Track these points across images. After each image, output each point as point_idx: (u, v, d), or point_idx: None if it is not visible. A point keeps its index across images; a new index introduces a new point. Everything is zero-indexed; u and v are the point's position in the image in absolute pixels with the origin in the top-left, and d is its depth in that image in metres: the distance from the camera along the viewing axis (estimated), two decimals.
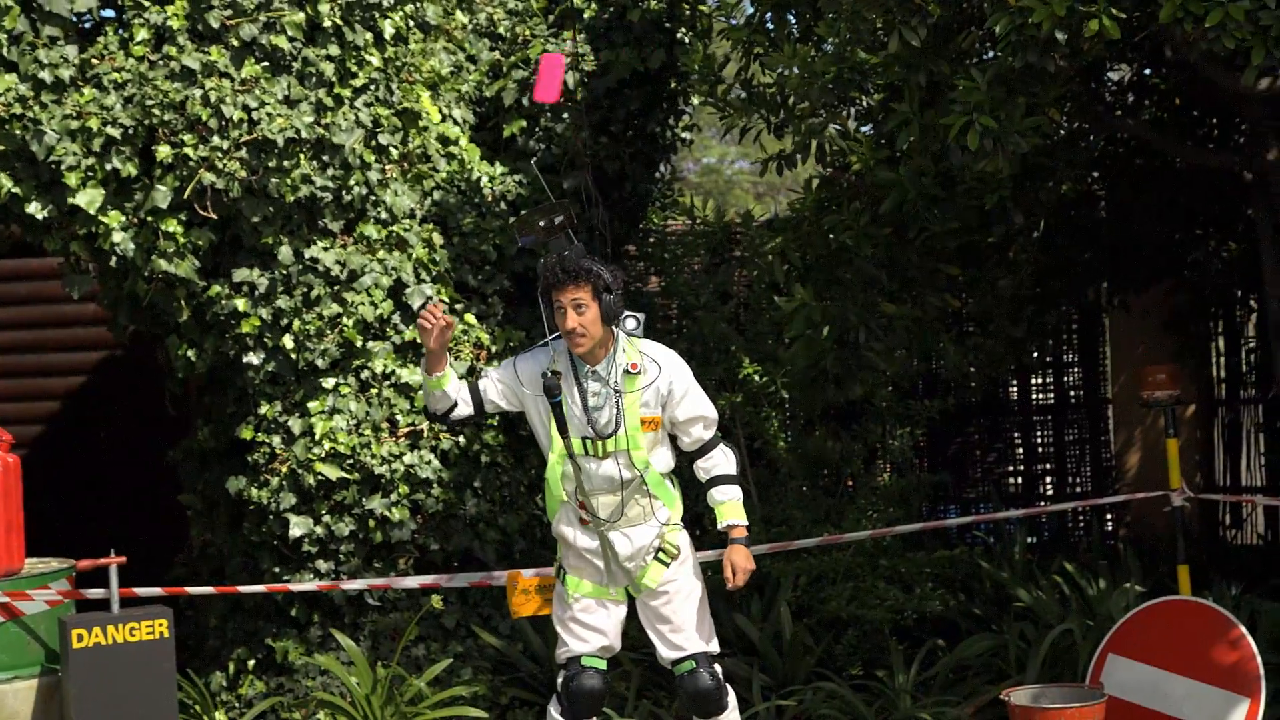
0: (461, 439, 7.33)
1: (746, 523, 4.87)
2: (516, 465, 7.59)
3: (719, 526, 4.86)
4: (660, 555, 4.81)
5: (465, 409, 4.93)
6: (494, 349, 7.53)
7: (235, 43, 6.77)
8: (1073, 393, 9.54)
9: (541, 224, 5.05)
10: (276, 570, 7.13)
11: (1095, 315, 9.30)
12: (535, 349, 4.95)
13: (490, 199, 7.73)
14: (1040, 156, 6.59)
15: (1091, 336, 9.48)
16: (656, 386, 4.72)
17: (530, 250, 7.48)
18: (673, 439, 4.95)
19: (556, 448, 4.74)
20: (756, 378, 8.00)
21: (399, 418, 7.19)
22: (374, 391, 7.18)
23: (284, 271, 7.00)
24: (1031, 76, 5.64)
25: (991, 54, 6.03)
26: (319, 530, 7.07)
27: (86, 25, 6.98)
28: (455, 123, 7.81)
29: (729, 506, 4.82)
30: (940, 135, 5.78)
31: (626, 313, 4.73)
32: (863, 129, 6.93)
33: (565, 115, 7.80)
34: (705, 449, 4.85)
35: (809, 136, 6.53)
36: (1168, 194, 7.68)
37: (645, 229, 8.97)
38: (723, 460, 4.87)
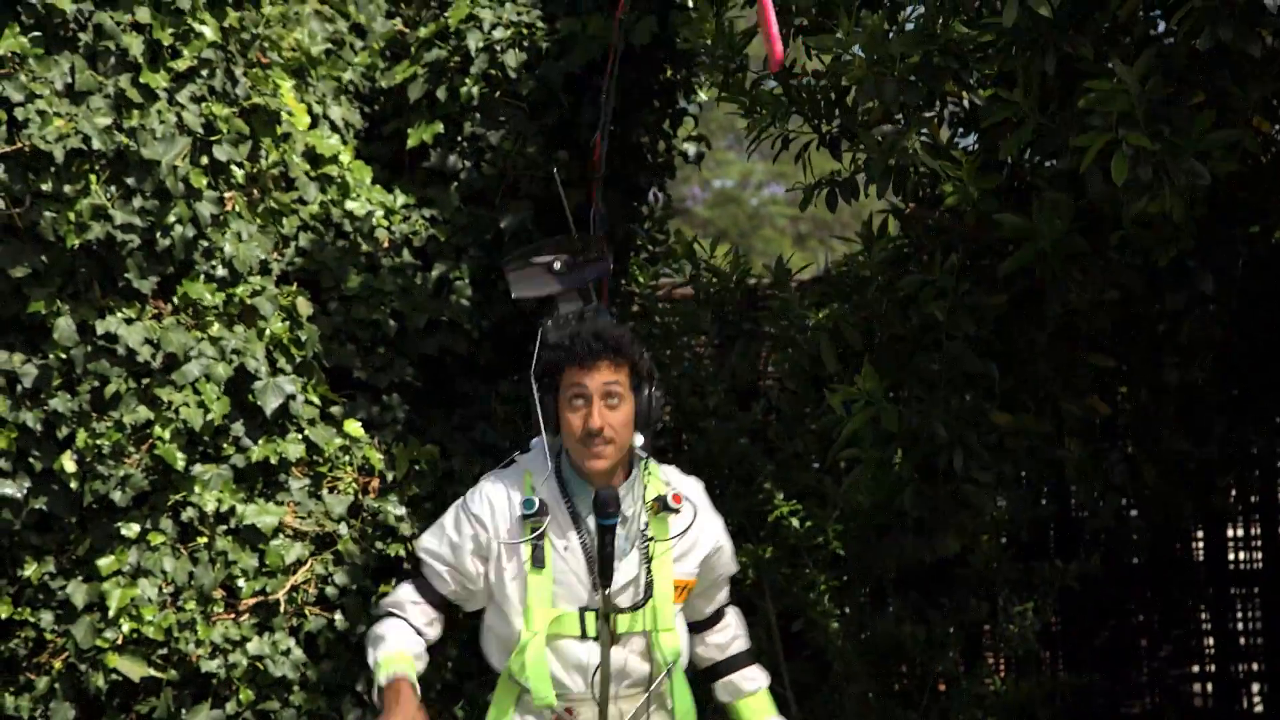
0: (339, 617, 7.30)
1: None
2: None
3: None
4: None
5: (437, 629, 4.99)
6: (391, 475, 7.49)
7: None
8: None
9: (555, 263, 4.99)
10: None
11: None
12: (495, 474, 4.84)
13: (387, 245, 7.73)
14: (1239, 189, 6.59)
15: None
16: (694, 537, 4.69)
17: (513, 310, 7.49)
18: None
19: (535, 621, 4.64)
20: (795, 523, 7.96)
21: (240, 583, 7.15)
22: (201, 542, 7.13)
23: (62, 355, 6.97)
24: (1221, 64, 5.63)
25: (1162, 27, 6.05)
26: None
27: None
28: (333, 127, 7.82)
29: (761, 701, 4.92)
30: (1077, 157, 5.77)
31: None
32: (962, 142, 6.93)
33: (502, 119, 7.82)
34: (717, 615, 4.93)
35: (879, 153, 6.52)
36: None
37: (625, 291, 8.98)
38: (739, 626, 4.96)
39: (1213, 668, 9.50)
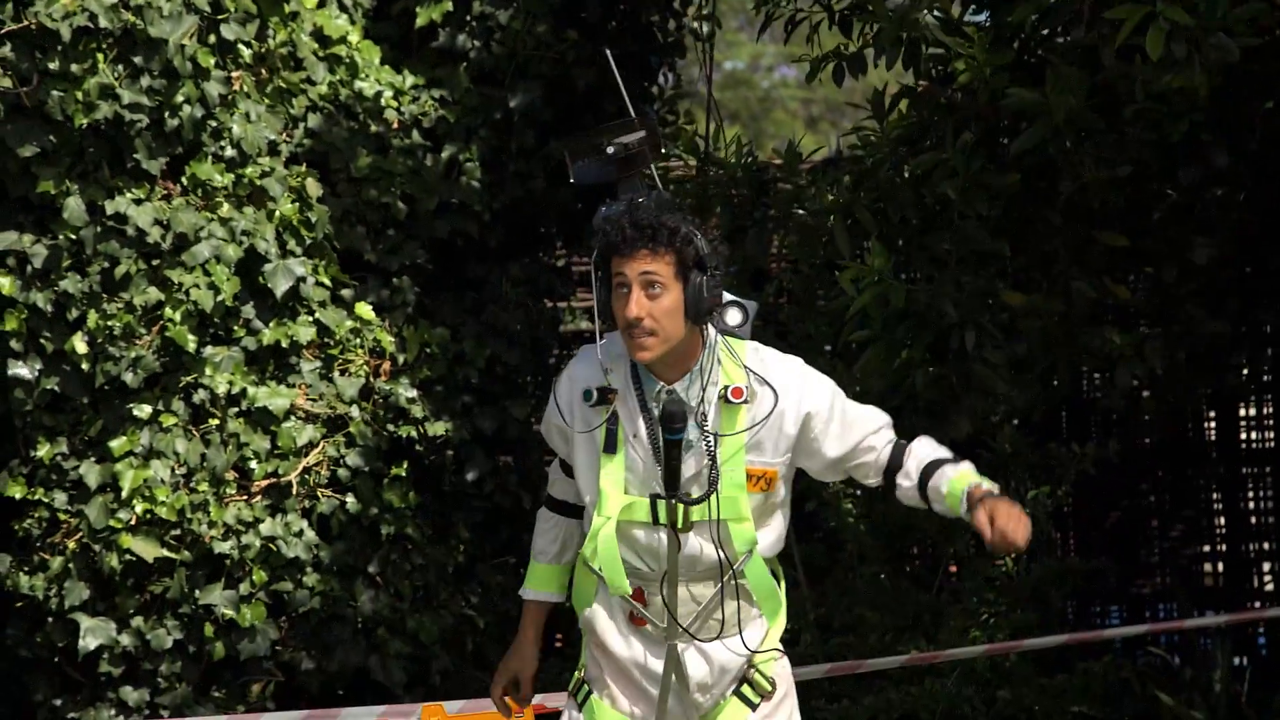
0: (350, 499, 7.32)
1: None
2: (436, 539, 7.59)
3: (958, 504, 4.44)
4: (746, 689, 4.69)
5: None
6: (402, 358, 7.49)
7: None
8: None
9: (609, 147, 4.86)
10: (57, 704, 7.09)
11: None
12: (580, 355, 4.76)
13: (397, 126, 7.68)
14: (1253, 64, 6.53)
15: None
16: (777, 424, 4.45)
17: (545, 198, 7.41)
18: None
19: (608, 505, 4.66)
20: None
21: (253, 465, 7.18)
22: (213, 424, 7.15)
23: (72, 236, 6.96)
24: None
25: None
26: (125, 640, 7.03)
27: None
28: (342, 7, 7.76)
29: (965, 474, 4.47)
30: (1097, 29, 5.71)
31: (730, 299, 4.50)
32: (976, 17, 6.87)
33: None
34: (895, 460, 4.58)
35: (890, 28, 6.46)
36: None
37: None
38: (927, 447, 4.57)
39: (1224, 547, 9.50)
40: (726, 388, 4.35)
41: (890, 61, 6.59)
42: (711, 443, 4.36)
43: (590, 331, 9.99)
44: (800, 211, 8.19)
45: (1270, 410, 9.50)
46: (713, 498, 4.37)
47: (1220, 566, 9.52)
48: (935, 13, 6.57)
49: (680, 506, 4.34)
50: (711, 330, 4.42)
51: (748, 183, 8.41)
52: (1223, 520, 9.49)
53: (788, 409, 4.42)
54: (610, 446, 4.42)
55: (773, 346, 7.88)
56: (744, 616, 4.53)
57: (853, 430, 4.50)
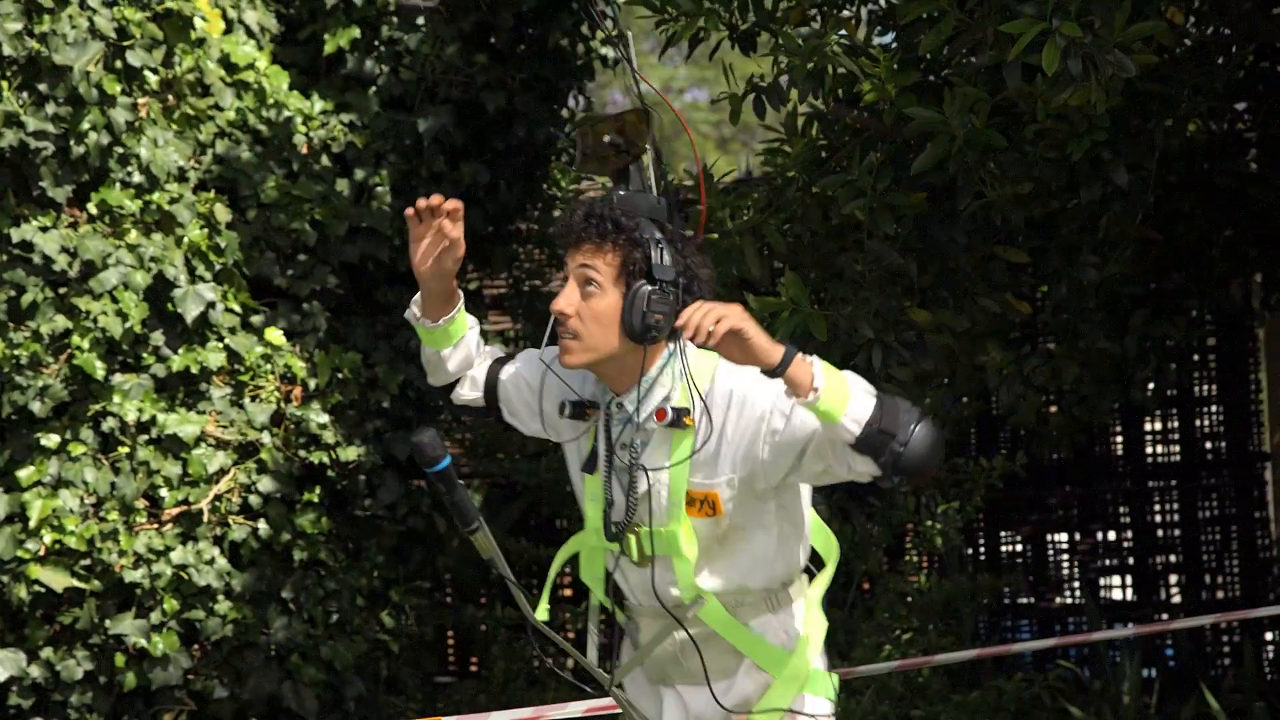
0: (262, 525, 7.25)
1: (811, 361, 3.65)
2: (349, 565, 7.56)
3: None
4: None
5: (471, 391, 4.15)
6: (314, 384, 7.44)
7: None
8: (1210, 445, 9.55)
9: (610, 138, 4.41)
10: None
11: (1243, 325, 9.31)
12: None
13: (306, 151, 7.64)
14: (1154, 82, 6.56)
15: (1238, 358, 9.50)
16: (718, 446, 3.87)
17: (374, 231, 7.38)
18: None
19: (590, 524, 4.05)
20: None
21: (163, 492, 7.11)
22: (123, 452, 7.08)
23: None
24: None
25: None
26: (35, 672, 6.99)
27: None
28: (249, 33, 7.71)
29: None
30: (1000, 49, 5.70)
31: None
32: (882, 39, 6.85)
33: (420, 22, 7.72)
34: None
35: (799, 63, 6.43)
36: None
37: (548, 196, 8.95)
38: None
39: (1132, 561, 9.56)
40: (677, 409, 3.82)
41: (803, 95, 6.57)
42: (645, 473, 3.87)
43: (507, 354, 10.00)
44: (714, 235, 8.15)
45: (1175, 424, 9.56)
46: (642, 532, 3.90)
47: (1128, 580, 9.58)
48: (841, 37, 6.56)
49: (633, 539, 3.91)
50: (682, 341, 3.87)
51: (666, 201, 8.36)
52: (1130, 536, 9.55)
53: (738, 418, 3.84)
54: (590, 466, 3.98)
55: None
56: (725, 665, 3.99)
57: (804, 427, 3.80)
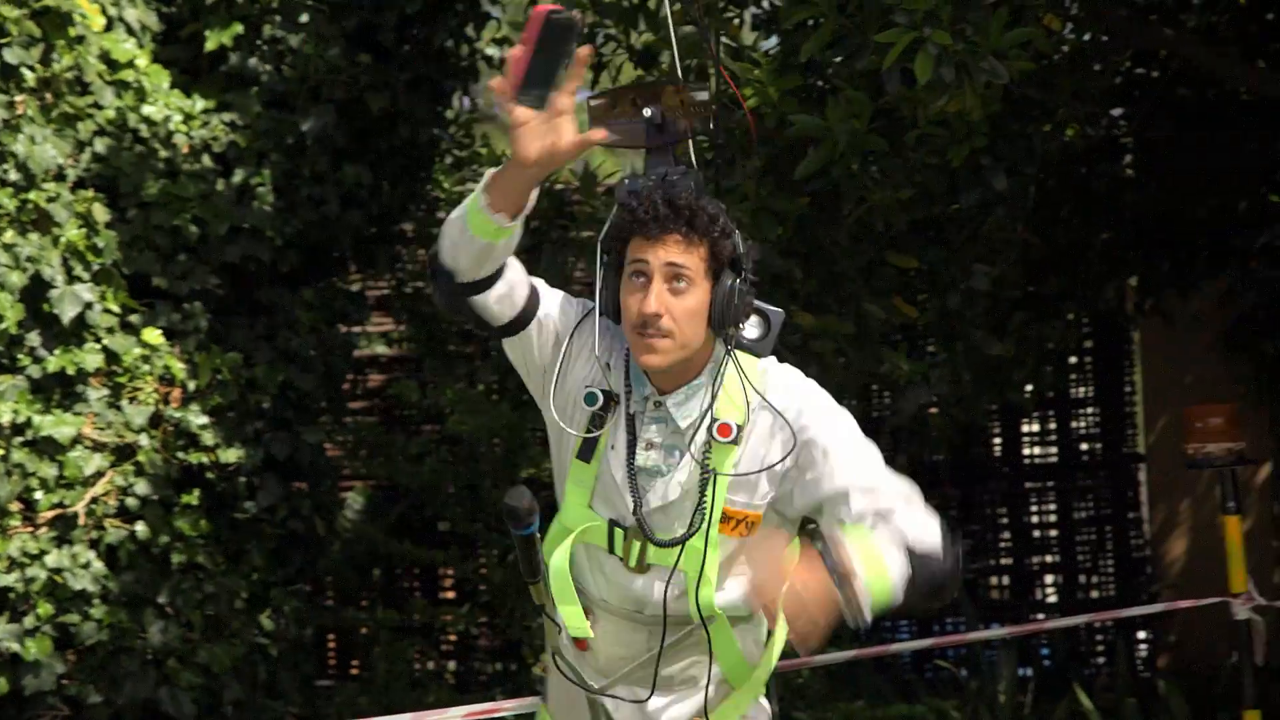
0: (140, 527, 7.16)
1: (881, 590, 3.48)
2: (228, 567, 7.48)
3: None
4: None
5: (501, 306, 3.68)
6: (193, 385, 7.35)
7: None
8: (1085, 446, 9.63)
9: (650, 110, 3.93)
10: None
11: (1120, 328, 9.38)
12: (603, 327, 3.75)
13: (187, 150, 7.54)
14: (1032, 88, 6.60)
15: (1114, 360, 9.57)
16: (763, 454, 3.70)
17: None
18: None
19: (568, 517, 3.78)
20: None
21: (38, 495, 7.00)
22: None
23: None
24: None
25: None
26: None
27: None
28: (129, 30, 7.60)
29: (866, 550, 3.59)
30: (880, 55, 5.71)
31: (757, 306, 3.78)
32: (764, 43, 6.84)
33: (304, 19, 7.64)
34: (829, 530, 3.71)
35: (681, 54, 6.41)
36: (1226, 143, 7.74)
37: (431, 197, 8.89)
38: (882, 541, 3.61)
39: (1009, 561, 9.62)
40: (715, 422, 3.65)
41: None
42: (703, 478, 3.65)
43: (384, 357, 9.94)
44: (590, 234, 8.14)
45: (1053, 426, 9.63)
46: (688, 543, 3.67)
47: (1005, 580, 9.63)
48: (724, 39, 6.55)
49: (637, 544, 3.70)
50: (723, 344, 3.71)
51: (551, 202, 8.35)
52: (1007, 536, 9.62)
53: (779, 438, 3.70)
54: (586, 453, 3.73)
55: None
56: (692, 674, 3.85)
57: (843, 474, 3.67)
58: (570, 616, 3.72)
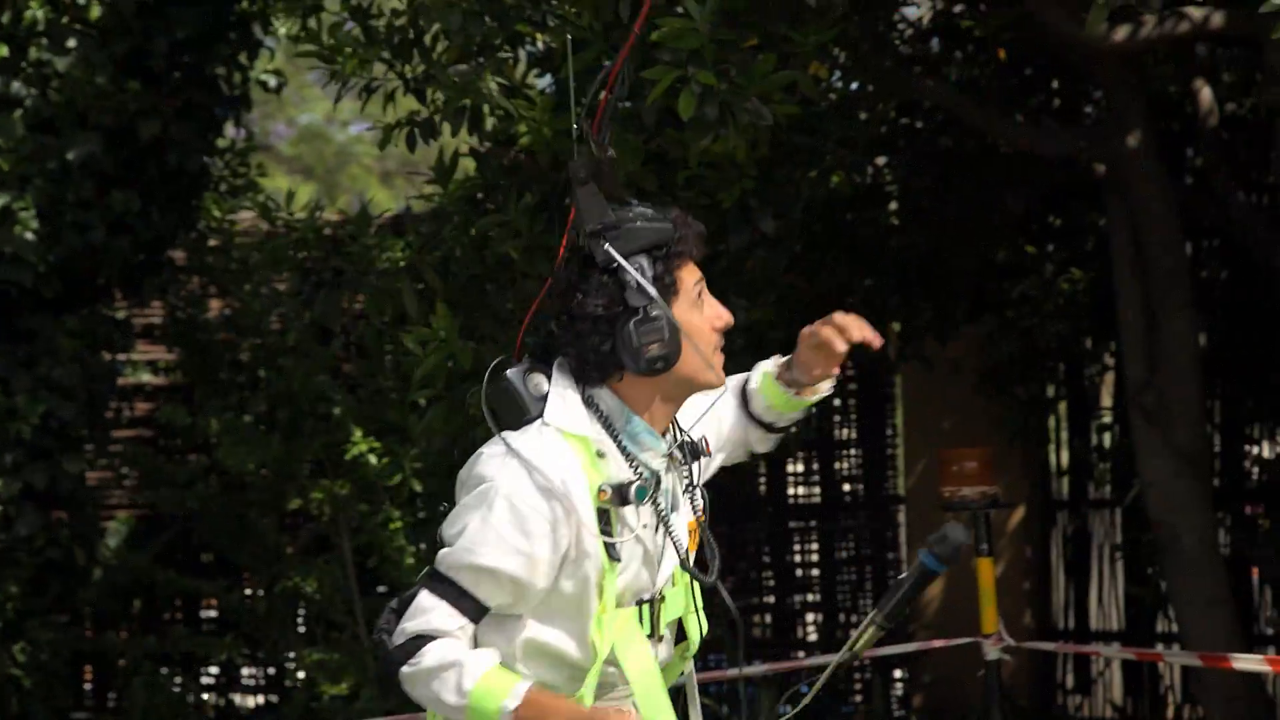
0: None
1: None
2: None
3: (771, 383, 3.63)
4: None
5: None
6: None
7: None
8: (848, 487, 9.70)
9: (580, 172, 3.70)
10: None
11: (880, 372, 9.45)
12: (530, 440, 3.31)
13: None
14: (799, 134, 6.63)
15: (876, 403, 9.66)
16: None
17: None
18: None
19: (608, 633, 3.37)
20: (373, 459, 7.89)
21: None
22: None
23: None
24: (783, 9, 5.60)
25: None
26: None
27: None
28: None
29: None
30: (642, 91, 5.71)
31: None
32: (539, 84, 6.82)
33: (71, 43, 7.49)
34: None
35: (453, 96, 6.37)
36: (986, 192, 7.86)
37: (202, 227, 8.72)
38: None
39: (771, 600, 9.66)
40: (704, 438, 3.48)
41: (455, 129, 6.51)
42: (699, 505, 3.45)
43: (150, 386, 9.73)
44: (369, 277, 8.04)
45: (816, 466, 9.69)
46: (685, 583, 3.48)
47: (768, 618, 9.67)
48: (498, 78, 6.51)
49: (653, 606, 3.44)
50: None
51: (317, 243, 8.24)
52: (770, 575, 9.67)
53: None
54: (615, 554, 3.34)
55: (341, 401, 7.58)
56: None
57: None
58: None
